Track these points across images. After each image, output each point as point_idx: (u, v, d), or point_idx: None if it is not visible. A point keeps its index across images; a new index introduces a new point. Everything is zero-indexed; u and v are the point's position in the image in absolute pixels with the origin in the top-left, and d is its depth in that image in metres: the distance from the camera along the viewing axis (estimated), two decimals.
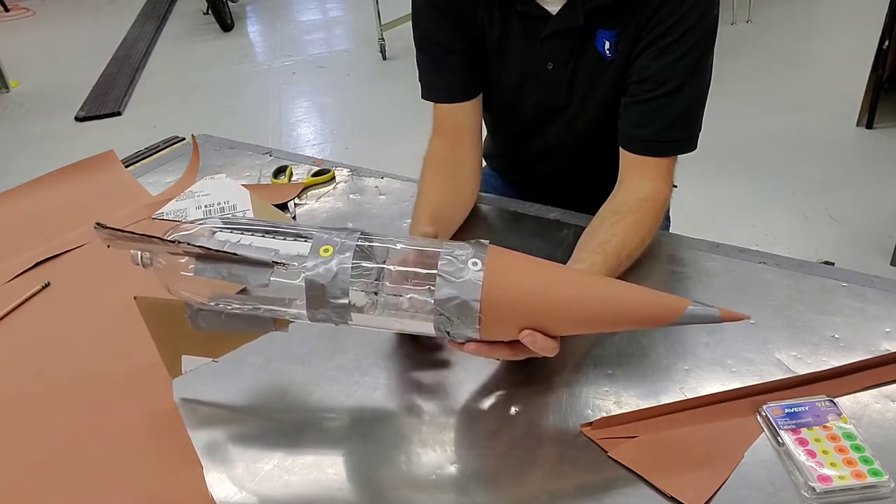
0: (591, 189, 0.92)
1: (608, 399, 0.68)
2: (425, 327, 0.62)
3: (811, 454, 0.59)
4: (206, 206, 1.05)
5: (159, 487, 0.64)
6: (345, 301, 0.60)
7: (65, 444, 0.69)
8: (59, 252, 1.01)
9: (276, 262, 0.60)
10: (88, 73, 4.43)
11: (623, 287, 0.63)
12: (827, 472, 0.57)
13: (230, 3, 5.36)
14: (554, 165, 1.07)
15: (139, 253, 0.62)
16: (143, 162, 1.32)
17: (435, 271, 0.60)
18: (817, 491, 0.56)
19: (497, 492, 0.60)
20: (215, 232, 0.63)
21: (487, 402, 0.69)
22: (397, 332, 0.66)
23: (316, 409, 0.70)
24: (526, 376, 0.71)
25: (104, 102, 3.98)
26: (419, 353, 0.74)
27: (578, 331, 0.67)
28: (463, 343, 0.63)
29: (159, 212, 1.07)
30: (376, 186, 1.12)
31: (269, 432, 0.68)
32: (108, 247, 0.62)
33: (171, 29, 5.49)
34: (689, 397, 0.66)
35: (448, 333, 0.62)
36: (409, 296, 0.61)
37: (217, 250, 0.59)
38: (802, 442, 0.60)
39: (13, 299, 0.91)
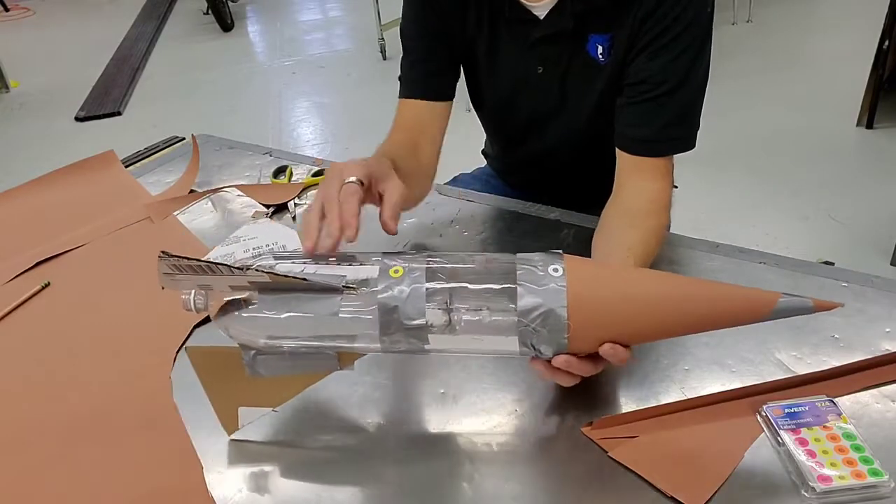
0: (591, 189, 0.92)
1: (608, 399, 0.68)
2: (509, 343, 0.57)
3: (811, 454, 0.59)
4: (254, 249, 1.00)
5: (159, 487, 0.64)
6: (421, 321, 0.56)
7: (64, 443, 0.69)
8: (59, 252, 1.01)
9: (347, 287, 0.57)
10: (88, 73, 4.43)
11: (709, 285, 0.59)
12: (827, 472, 0.57)
13: (230, 3, 5.36)
14: (553, 166, 1.07)
15: (192, 296, 0.59)
16: (143, 162, 1.32)
17: (513, 285, 0.56)
18: (817, 491, 0.56)
19: (496, 491, 0.60)
20: (273, 266, 0.59)
21: (487, 402, 0.69)
22: (476, 354, 0.62)
23: (316, 408, 0.70)
24: (526, 376, 0.71)
25: (104, 102, 3.98)
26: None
27: (665, 335, 0.62)
28: (550, 359, 0.58)
29: (206, 257, 1.04)
30: None
31: (270, 433, 0.68)
32: (163, 288, 0.58)
33: (171, 29, 5.49)
34: (689, 397, 0.66)
35: (534, 347, 0.57)
36: (488, 310, 0.57)
37: (285, 275, 0.56)
38: (802, 442, 0.60)
39: (13, 299, 0.91)
